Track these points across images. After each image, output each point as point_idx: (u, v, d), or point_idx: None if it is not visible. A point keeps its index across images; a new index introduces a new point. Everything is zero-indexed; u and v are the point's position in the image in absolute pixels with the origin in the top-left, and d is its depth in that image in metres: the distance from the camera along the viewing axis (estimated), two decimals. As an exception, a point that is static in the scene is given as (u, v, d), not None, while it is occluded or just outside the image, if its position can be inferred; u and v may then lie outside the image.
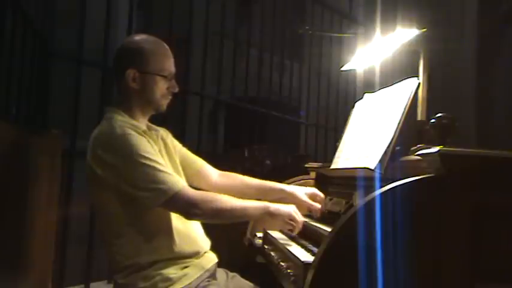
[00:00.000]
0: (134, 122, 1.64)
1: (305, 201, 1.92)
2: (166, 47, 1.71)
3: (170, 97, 1.72)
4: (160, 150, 1.69)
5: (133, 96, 1.66)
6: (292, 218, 1.67)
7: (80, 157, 2.55)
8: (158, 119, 1.82)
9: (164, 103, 1.71)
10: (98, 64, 2.75)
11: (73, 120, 2.56)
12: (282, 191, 1.99)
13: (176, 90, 1.71)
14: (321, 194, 2.02)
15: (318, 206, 1.91)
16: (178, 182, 1.55)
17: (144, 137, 1.60)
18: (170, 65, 1.70)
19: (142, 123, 1.70)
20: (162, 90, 1.68)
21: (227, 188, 1.94)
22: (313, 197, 1.97)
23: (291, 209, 1.68)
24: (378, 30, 2.32)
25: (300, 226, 1.69)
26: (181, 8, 3.20)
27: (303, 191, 1.97)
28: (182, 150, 1.90)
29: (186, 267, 1.60)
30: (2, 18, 1.78)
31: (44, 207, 2.13)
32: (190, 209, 1.53)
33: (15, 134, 1.79)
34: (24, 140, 1.92)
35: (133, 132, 1.56)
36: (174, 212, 1.57)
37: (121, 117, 1.63)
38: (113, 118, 1.61)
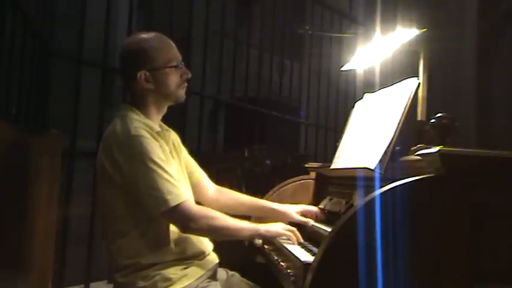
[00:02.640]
0: (148, 122, 1.64)
1: (297, 219, 1.99)
2: (166, 38, 1.72)
3: (186, 84, 1.73)
4: (171, 151, 1.70)
5: (150, 95, 1.67)
6: (282, 235, 1.72)
7: (80, 157, 2.57)
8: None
9: (182, 92, 1.72)
10: (98, 64, 2.75)
11: (73, 120, 2.56)
12: (273, 210, 2.03)
13: (189, 75, 1.73)
14: (313, 209, 2.04)
15: (311, 221, 1.96)
16: (182, 194, 1.55)
17: (157, 139, 1.60)
18: (175, 54, 1.71)
19: (156, 122, 1.70)
20: (176, 80, 1.69)
21: (221, 203, 1.97)
22: (304, 213, 2.03)
23: (279, 227, 1.74)
24: (378, 30, 2.32)
25: (295, 237, 1.73)
26: (181, 8, 3.20)
27: (294, 210, 2.02)
28: (187, 157, 1.91)
29: (186, 267, 1.60)
30: (2, 18, 1.78)
31: (44, 207, 2.13)
32: (188, 222, 1.54)
33: (15, 134, 1.79)
34: (24, 140, 1.92)
35: (147, 135, 1.56)
36: (171, 222, 1.58)
37: (136, 116, 1.63)
38: (128, 116, 1.61)
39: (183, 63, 1.72)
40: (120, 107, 1.70)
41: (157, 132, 1.63)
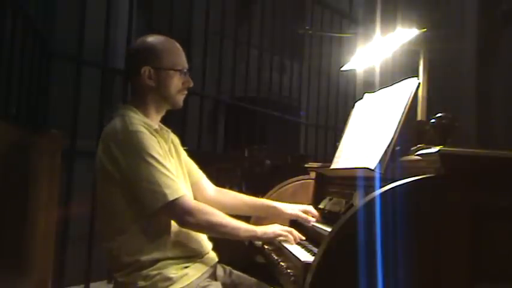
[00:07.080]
0: (147, 120, 1.65)
1: (299, 215, 1.98)
2: (177, 44, 1.74)
3: (186, 92, 1.74)
4: (170, 150, 1.71)
5: (150, 93, 1.68)
6: (279, 236, 1.71)
7: (80, 157, 2.57)
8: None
9: (180, 99, 1.73)
10: (98, 64, 2.75)
11: (73, 120, 2.56)
12: (274, 208, 2.02)
13: (191, 84, 1.74)
14: (314, 211, 2.03)
15: (313, 219, 1.96)
16: (180, 189, 1.56)
17: (155, 136, 1.61)
18: (183, 61, 1.73)
19: (155, 122, 1.71)
20: (178, 86, 1.70)
21: (221, 203, 1.96)
22: (305, 213, 2.01)
23: (276, 228, 1.72)
24: (378, 30, 2.32)
25: (292, 237, 1.73)
26: (181, 8, 3.20)
27: (296, 208, 2.01)
28: (186, 158, 1.92)
29: (186, 267, 1.61)
30: (2, 18, 1.78)
31: (44, 207, 2.13)
32: (185, 217, 1.54)
33: (15, 134, 1.79)
34: (24, 140, 1.92)
35: (145, 131, 1.57)
36: (169, 217, 1.58)
37: (134, 114, 1.64)
38: (126, 115, 1.62)
39: (188, 72, 1.73)
40: (119, 106, 1.71)
41: (156, 130, 1.64)
